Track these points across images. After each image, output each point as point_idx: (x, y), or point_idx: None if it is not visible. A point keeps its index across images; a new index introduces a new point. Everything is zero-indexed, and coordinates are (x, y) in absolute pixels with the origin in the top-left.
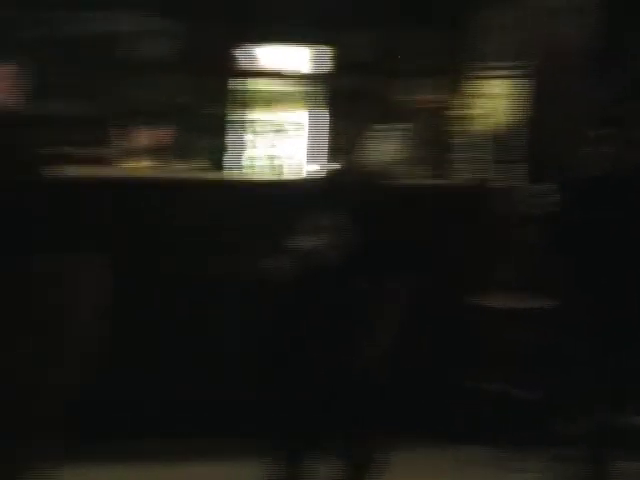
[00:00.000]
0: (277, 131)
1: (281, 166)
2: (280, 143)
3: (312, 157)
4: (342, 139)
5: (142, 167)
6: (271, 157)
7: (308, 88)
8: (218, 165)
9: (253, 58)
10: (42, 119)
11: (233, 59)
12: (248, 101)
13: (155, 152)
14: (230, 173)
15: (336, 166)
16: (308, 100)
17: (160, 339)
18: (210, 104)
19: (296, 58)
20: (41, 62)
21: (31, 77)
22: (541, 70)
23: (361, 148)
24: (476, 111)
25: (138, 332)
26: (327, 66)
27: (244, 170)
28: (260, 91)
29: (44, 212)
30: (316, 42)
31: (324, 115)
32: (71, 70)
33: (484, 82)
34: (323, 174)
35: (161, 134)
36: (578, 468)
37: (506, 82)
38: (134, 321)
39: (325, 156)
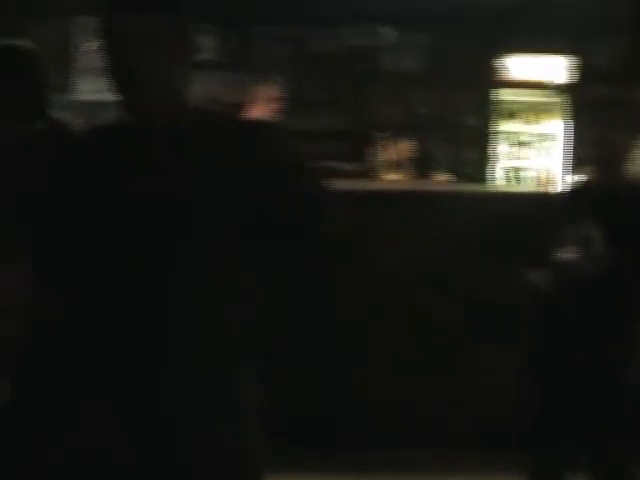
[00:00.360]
0: (530, 142)
1: (536, 178)
2: (534, 154)
3: (567, 168)
4: (597, 149)
5: (398, 180)
6: (525, 169)
7: (561, 98)
8: (471, 177)
9: (506, 68)
10: (304, 134)
11: (485, 70)
12: (501, 112)
13: (409, 164)
14: (484, 185)
15: (593, 177)
16: (561, 110)
17: (419, 350)
18: (462, 116)
19: (549, 68)
20: (299, 78)
21: (291, 93)
22: None
23: (617, 159)
24: None
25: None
26: (580, 75)
27: (497, 182)
28: (513, 102)
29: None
30: (569, 51)
31: (578, 125)
32: (328, 85)
33: None
34: (579, 185)
35: (415, 146)
36: None
37: None
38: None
39: (581, 167)
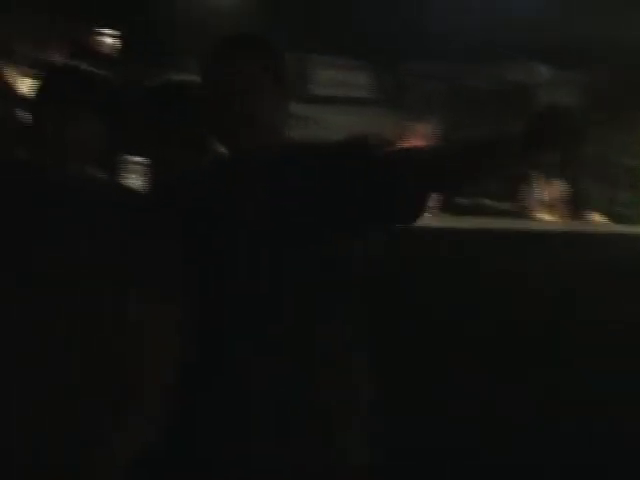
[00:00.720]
0: None
1: None
2: None
3: None
4: None
5: (551, 219)
6: None
7: None
8: (625, 217)
9: None
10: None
11: None
12: None
13: (562, 204)
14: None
15: None
16: None
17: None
18: (618, 155)
19: None
20: (454, 114)
21: (445, 129)
22: None
23: None
24: None
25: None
26: None
27: None
28: None
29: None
30: None
31: None
32: (482, 121)
33: None
34: None
35: (569, 186)
36: None
37: None
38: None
39: None
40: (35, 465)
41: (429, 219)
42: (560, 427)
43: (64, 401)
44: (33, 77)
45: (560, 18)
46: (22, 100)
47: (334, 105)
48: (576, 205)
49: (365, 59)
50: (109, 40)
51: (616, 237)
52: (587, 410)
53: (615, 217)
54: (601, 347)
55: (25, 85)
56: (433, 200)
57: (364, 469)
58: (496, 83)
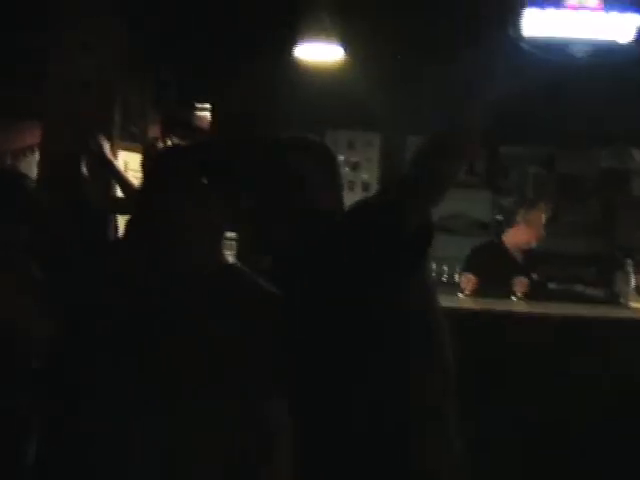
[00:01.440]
0: None
1: None
2: None
3: None
4: None
5: None
6: None
7: None
8: None
9: None
10: (553, 257)
11: None
12: None
13: None
14: None
15: None
16: None
17: None
18: None
19: None
20: (550, 199)
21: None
22: None
23: None
24: None
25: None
26: None
27: None
28: None
29: None
30: None
31: None
32: (578, 207)
33: None
34: None
35: None
36: None
37: None
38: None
39: None
40: None
41: (520, 305)
42: None
43: None
44: (135, 152)
45: None
46: (125, 177)
47: None
48: None
49: None
50: (202, 113)
51: None
52: None
53: None
54: None
55: (127, 159)
56: (522, 286)
57: None
58: (592, 168)
